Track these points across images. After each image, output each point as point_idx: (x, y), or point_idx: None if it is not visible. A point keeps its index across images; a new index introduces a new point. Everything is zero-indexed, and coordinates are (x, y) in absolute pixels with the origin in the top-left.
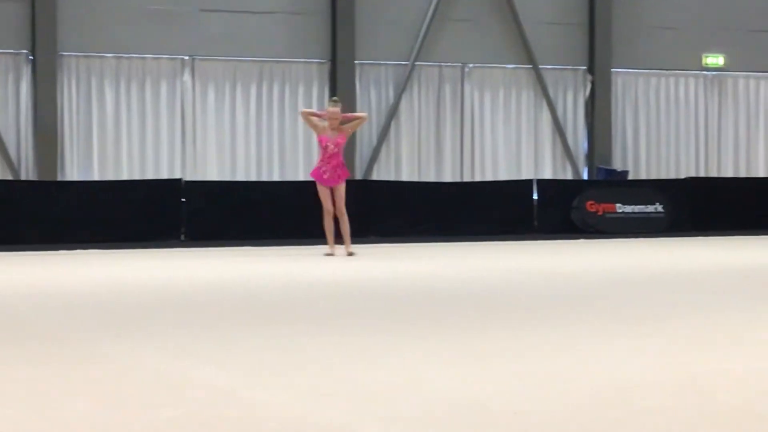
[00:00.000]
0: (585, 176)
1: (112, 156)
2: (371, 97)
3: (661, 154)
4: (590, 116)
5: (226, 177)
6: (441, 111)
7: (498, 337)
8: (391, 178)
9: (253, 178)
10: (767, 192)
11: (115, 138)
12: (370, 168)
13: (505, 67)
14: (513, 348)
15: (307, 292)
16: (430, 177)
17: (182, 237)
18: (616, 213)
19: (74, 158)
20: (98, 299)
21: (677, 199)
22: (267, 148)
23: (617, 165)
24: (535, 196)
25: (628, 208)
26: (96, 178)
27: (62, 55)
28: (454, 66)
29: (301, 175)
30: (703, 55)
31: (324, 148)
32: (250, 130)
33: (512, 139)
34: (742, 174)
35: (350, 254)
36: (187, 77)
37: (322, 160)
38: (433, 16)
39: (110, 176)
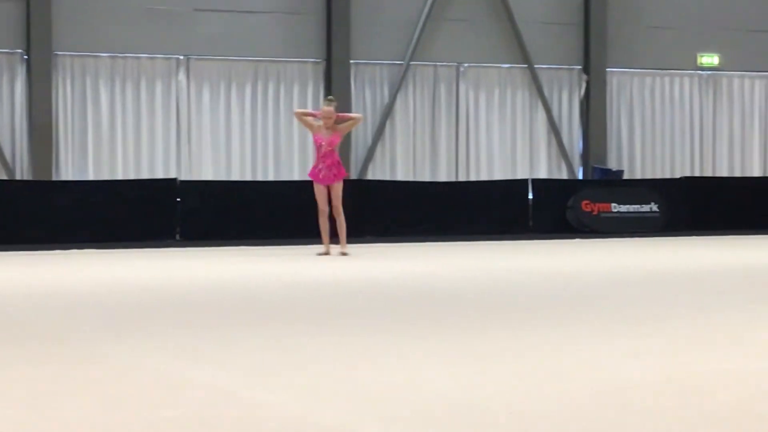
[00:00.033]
0: (580, 176)
1: (107, 155)
2: (366, 97)
3: (656, 153)
4: (585, 116)
5: (221, 177)
6: (436, 110)
7: (498, 337)
8: (386, 177)
9: (248, 177)
10: (762, 191)
11: (110, 138)
12: (365, 167)
13: (500, 67)
14: (513, 348)
15: (306, 292)
16: (426, 177)
17: (177, 237)
18: (612, 212)
19: (69, 158)
20: (97, 299)
21: (672, 199)
22: (262, 148)
23: (612, 164)
24: (530, 196)
25: (624, 208)
26: (91, 177)
27: (57, 54)
28: (449, 66)
29: (296, 174)
30: (698, 55)
31: (318, 147)
32: (245, 129)
33: (507, 139)
34: (737, 173)
35: (343, 254)
36: (182, 77)
37: (317, 160)
38: (428, 15)
39: (105, 176)
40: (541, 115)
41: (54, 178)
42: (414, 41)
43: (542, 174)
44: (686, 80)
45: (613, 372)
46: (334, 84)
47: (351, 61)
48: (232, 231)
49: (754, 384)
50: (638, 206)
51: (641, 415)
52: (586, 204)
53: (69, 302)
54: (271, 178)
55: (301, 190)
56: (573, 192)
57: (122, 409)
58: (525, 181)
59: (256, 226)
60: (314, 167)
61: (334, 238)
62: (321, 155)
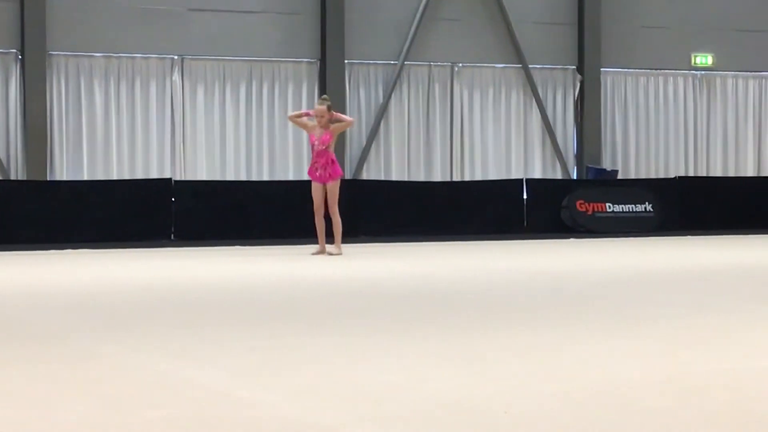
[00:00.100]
0: (575, 176)
1: (101, 155)
2: (361, 97)
3: (651, 153)
4: (580, 116)
5: (216, 176)
6: (430, 110)
7: (497, 337)
8: (381, 177)
9: (243, 177)
10: (756, 191)
11: (105, 137)
12: (359, 167)
13: (494, 67)
14: (513, 348)
15: (304, 291)
16: (420, 177)
17: (172, 237)
18: (606, 212)
19: (64, 158)
20: (96, 299)
21: (667, 199)
22: (256, 148)
23: (607, 164)
24: (524, 196)
25: (618, 208)
26: (85, 177)
27: (51, 54)
28: (443, 65)
29: (291, 174)
30: (692, 55)
31: (312, 146)
32: (239, 129)
33: (502, 139)
34: (731, 173)
35: (330, 254)
36: (176, 77)
37: (313, 158)
38: (423, 15)
39: (100, 176)
40: (535, 115)
41: (48, 178)
42: (408, 41)
43: (537, 174)
44: (680, 80)
45: (612, 372)
46: (329, 84)
47: (345, 61)
48: (227, 231)
49: (754, 384)
50: (633, 206)
51: (641, 415)
52: (581, 204)
53: (66, 302)
54: (265, 178)
55: (296, 190)
56: (567, 192)
57: (121, 409)
58: (520, 180)
59: (250, 226)
60: (311, 166)
61: (331, 238)
62: (315, 154)
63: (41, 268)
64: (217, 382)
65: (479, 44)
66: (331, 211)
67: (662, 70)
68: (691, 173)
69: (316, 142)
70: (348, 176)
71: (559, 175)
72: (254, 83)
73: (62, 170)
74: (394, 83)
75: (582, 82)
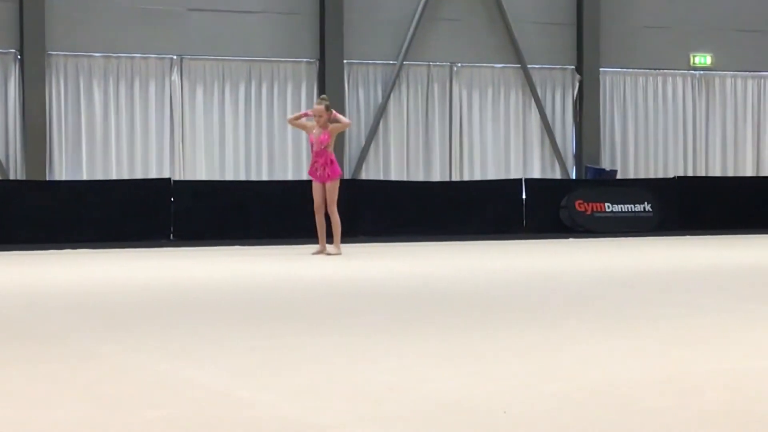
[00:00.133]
0: (573, 176)
1: (100, 155)
2: (360, 97)
3: (650, 153)
4: (578, 116)
5: (215, 176)
6: (429, 110)
7: (497, 337)
8: (380, 177)
9: (242, 177)
10: (755, 191)
11: (104, 137)
12: (358, 167)
13: (493, 67)
14: (512, 348)
15: (304, 291)
16: (419, 176)
17: (171, 236)
18: (605, 212)
19: (63, 158)
20: (95, 299)
21: (665, 199)
22: (255, 148)
23: (606, 164)
24: (523, 196)
25: (617, 208)
26: (84, 177)
27: (51, 54)
28: (442, 65)
29: (290, 174)
30: (691, 55)
31: (311, 146)
32: (238, 129)
33: (501, 139)
34: (730, 173)
35: (329, 254)
36: (175, 77)
37: (312, 158)
38: (422, 15)
39: (99, 176)
40: (534, 115)
41: (48, 178)
42: (407, 41)
43: (536, 174)
44: (679, 80)
45: (612, 372)
46: (328, 84)
47: (344, 61)
48: (226, 231)
49: (754, 384)
50: (631, 206)
51: (641, 415)
52: (580, 204)
53: (66, 302)
54: (264, 177)
55: (295, 190)
56: (566, 192)
57: (120, 409)
58: (518, 180)
59: (249, 226)
60: (311, 166)
61: (331, 237)
62: (314, 154)
63: (41, 268)
64: (217, 382)
65: (478, 44)
66: (330, 211)
67: (661, 70)
68: (690, 173)
69: (315, 142)
70: (347, 176)
71: (558, 175)
72: (253, 83)
73: (61, 170)
74: (393, 83)
75: (581, 82)
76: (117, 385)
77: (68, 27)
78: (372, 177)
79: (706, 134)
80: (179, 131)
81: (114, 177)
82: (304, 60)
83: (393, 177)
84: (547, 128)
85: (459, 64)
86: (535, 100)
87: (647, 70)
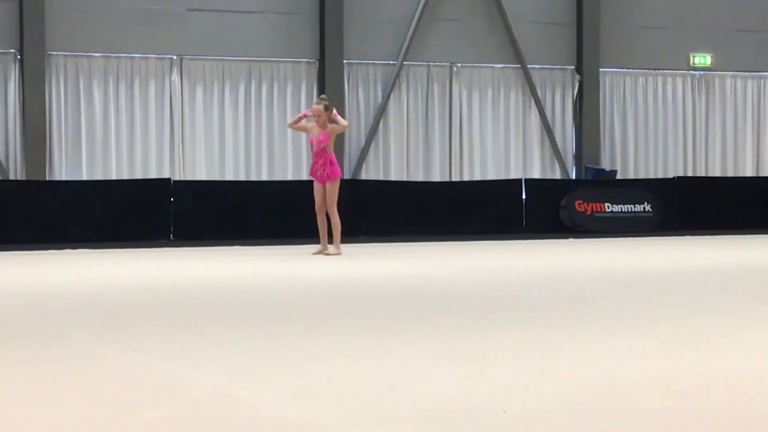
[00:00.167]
0: (573, 176)
1: (100, 155)
2: (359, 97)
3: (650, 153)
4: (578, 116)
5: (215, 176)
6: (429, 110)
7: (497, 337)
8: (380, 177)
9: (242, 177)
10: (755, 191)
11: (104, 137)
12: (358, 168)
13: (493, 67)
14: (512, 348)
15: (304, 291)
16: (419, 177)
17: (171, 237)
18: (605, 212)
19: (63, 158)
20: (96, 299)
21: (665, 199)
22: (255, 148)
23: (605, 164)
24: (523, 196)
25: (617, 208)
26: (84, 177)
27: (50, 54)
28: (442, 65)
29: (290, 174)
30: (691, 55)
31: (311, 146)
32: (238, 129)
33: (501, 139)
34: (730, 173)
35: (329, 254)
36: (175, 77)
37: (312, 158)
38: (422, 15)
39: (99, 176)
40: (534, 115)
41: (47, 178)
42: (407, 41)
43: (535, 174)
44: (679, 80)
45: (612, 372)
46: (328, 84)
47: (344, 61)
48: (226, 231)
49: (754, 384)
50: (631, 206)
51: (641, 415)
52: (580, 204)
53: (66, 302)
54: (264, 178)
55: (295, 190)
56: (566, 192)
57: (121, 409)
58: (518, 181)
59: (249, 226)
60: (311, 166)
61: (332, 237)
62: (314, 154)
63: (40, 268)
64: (217, 382)
65: (478, 44)
66: (330, 211)
67: (661, 70)
68: (689, 173)
69: (314, 142)
70: (347, 176)
71: (558, 175)
72: (253, 83)
73: (61, 170)
74: (393, 83)
75: (581, 82)
76: (117, 385)
77: (68, 27)
78: (372, 177)
79: (706, 134)
80: (179, 131)
81: (114, 177)
82: (304, 60)
83: (393, 177)
84: (547, 128)
85: (459, 64)
86: (535, 101)
87: (647, 70)
